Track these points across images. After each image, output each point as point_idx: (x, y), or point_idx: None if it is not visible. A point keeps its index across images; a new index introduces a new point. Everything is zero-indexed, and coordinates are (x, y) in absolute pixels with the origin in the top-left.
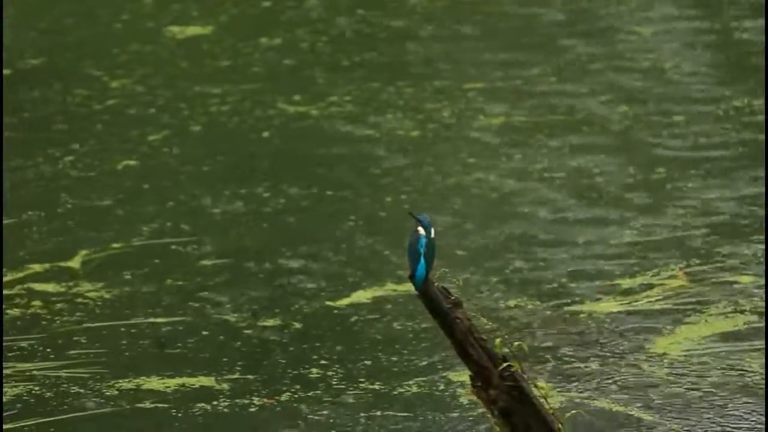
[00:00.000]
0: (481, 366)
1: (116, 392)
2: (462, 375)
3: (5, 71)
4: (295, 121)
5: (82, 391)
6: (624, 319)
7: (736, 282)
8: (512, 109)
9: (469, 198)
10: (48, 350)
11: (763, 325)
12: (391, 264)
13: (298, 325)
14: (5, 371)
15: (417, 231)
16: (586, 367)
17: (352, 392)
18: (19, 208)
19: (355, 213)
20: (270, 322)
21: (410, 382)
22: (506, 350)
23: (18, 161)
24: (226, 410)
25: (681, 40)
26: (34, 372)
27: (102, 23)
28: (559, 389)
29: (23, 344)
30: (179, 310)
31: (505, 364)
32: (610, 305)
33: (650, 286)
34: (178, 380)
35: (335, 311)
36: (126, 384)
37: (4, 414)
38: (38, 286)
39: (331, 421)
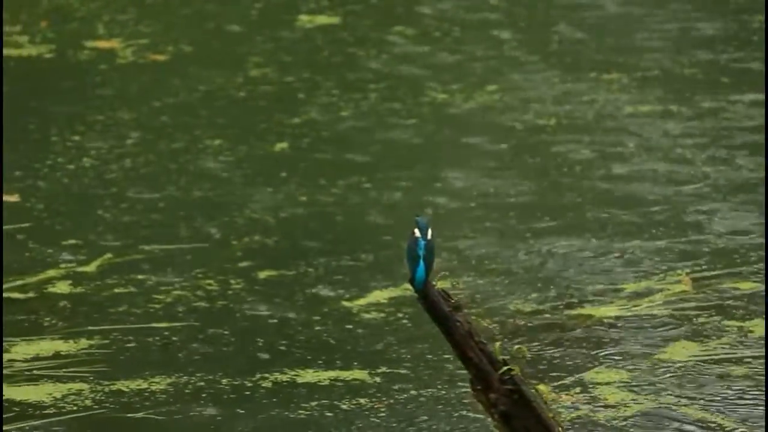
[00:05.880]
0: (481, 369)
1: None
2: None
3: (159, 57)
4: (442, 108)
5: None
6: (626, 324)
7: (740, 288)
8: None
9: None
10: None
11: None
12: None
13: (404, 317)
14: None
15: (415, 233)
16: (587, 371)
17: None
18: (104, 193)
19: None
20: (367, 315)
21: None
22: (506, 354)
23: (161, 146)
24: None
25: None
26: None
27: (239, 11)
28: (559, 393)
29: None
30: (188, 314)
31: (505, 368)
32: (612, 309)
33: (654, 291)
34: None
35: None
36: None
37: (5, 416)
38: (54, 289)
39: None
